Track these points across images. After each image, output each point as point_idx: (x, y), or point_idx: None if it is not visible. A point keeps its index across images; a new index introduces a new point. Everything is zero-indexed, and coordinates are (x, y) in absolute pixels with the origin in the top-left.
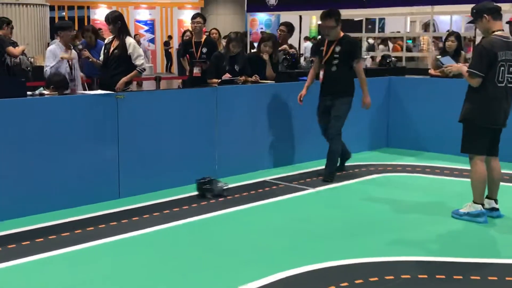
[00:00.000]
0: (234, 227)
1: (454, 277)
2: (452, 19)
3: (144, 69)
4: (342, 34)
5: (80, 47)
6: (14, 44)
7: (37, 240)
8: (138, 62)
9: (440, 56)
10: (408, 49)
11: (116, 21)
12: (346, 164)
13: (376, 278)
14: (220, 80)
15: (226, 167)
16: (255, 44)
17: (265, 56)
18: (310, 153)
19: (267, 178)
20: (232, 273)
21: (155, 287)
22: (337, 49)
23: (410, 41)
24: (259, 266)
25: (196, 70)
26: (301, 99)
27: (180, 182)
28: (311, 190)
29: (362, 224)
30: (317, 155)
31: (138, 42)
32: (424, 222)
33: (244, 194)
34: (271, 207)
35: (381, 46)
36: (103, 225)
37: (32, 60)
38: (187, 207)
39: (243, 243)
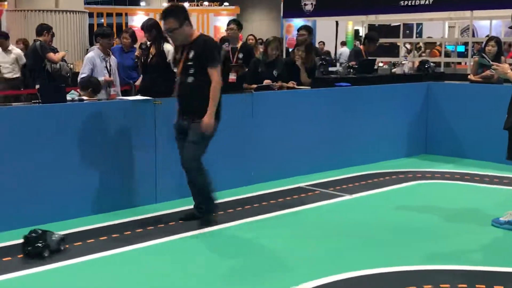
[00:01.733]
0: (269, 234)
1: (495, 286)
2: (492, 24)
3: None
4: (196, 35)
5: (137, 54)
6: (55, 50)
7: (75, 244)
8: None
9: (482, 56)
10: (447, 55)
11: (151, 29)
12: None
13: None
14: (256, 86)
15: (261, 173)
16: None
17: (298, 61)
18: (347, 158)
19: (302, 184)
20: (267, 279)
21: None
22: (191, 54)
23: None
24: (288, 275)
25: (232, 76)
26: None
27: (217, 187)
28: (347, 197)
29: (400, 232)
30: (352, 160)
31: None
32: (463, 231)
33: (280, 200)
34: (306, 214)
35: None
36: (141, 229)
37: (71, 66)
38: (231, 210)
39: (280, 249)
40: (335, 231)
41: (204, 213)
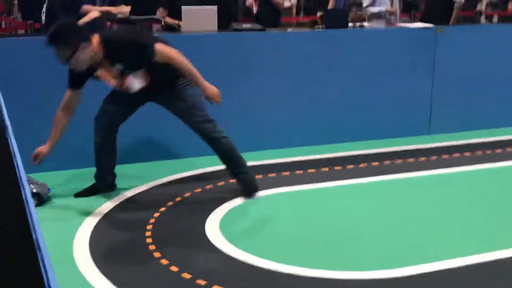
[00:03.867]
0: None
1: None
2: None
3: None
4: (98, 46)
5: None
6: None
7: (348, 166)
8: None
9: None
10: None
11: None
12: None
13: None
14: None
15: None
16: None
17: None
18: None
19: None
20: None
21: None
22: (119, 66)
23: None
24: None
25: None
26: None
27: (496, 124)
28: None
29: None
30: None
31: None
32: None
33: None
34: None
35: None
36: (412, 159)
37: None
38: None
39: None
40: None
41: (241, 186)
